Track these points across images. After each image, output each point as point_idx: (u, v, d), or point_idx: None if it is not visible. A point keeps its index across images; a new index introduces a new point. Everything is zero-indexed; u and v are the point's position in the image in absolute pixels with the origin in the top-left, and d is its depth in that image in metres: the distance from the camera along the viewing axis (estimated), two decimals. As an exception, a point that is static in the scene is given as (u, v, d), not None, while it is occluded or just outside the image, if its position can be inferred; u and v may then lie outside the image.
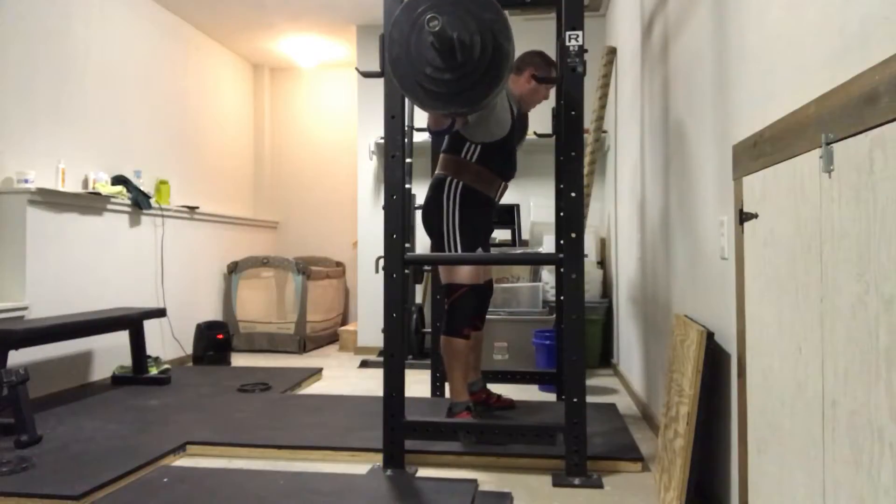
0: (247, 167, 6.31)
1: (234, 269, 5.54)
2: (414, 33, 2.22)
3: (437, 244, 2.85)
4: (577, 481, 2.30)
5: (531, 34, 5.06)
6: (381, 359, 2.84)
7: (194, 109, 5.36)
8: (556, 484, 2.30)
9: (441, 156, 2.93)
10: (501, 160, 2.91)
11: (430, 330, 4.09)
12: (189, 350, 4.85)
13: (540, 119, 4.70)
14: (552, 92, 3.35)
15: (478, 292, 2.90)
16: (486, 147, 2.83)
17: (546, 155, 4.80)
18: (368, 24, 5.28)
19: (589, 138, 4.10)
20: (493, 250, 4.61)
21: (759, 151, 1.46)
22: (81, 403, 3.39)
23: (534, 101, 3.07)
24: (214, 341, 4.73)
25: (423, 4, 2.24)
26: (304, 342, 5.42)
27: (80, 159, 4.03)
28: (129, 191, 4.26)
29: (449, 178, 2.83)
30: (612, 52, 4.10)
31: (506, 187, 3.02)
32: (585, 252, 2.43)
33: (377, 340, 4.63)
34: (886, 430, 0.88)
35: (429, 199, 2.86)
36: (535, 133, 4.03)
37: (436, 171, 2.94)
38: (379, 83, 2.59)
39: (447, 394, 3.41)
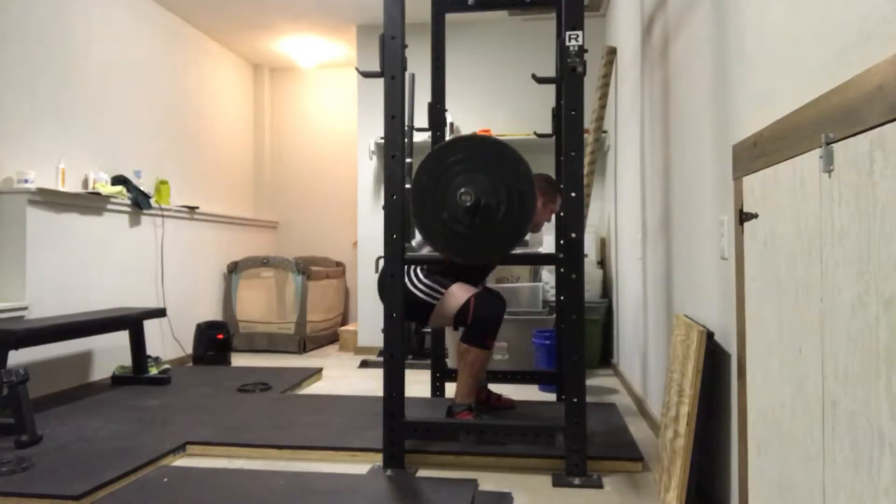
0: (247, 167, 6.31)
1: (234, 269, 5.54)
2: (445, 177, 2.29)
3: (414, 314, 2.83)
4: (577, 481, 2.30)
5: (531, 34, 5.08)
6: (381, 359, 2.84)
7: (194, 109, 5.36)
8: (556, 484, 2.30)
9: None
10: (474, 274, 2.96)
11: (430, 330, 4.09)
12: (189, 350, 4.85)
13: (540, 119, 4.70)
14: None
15: (486, 297, 2.83)
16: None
17: (546, 155, 4.80)
18: (368, 24, 5.28)
19: (589, 138, 4.10)
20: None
21: (759, 151, 1.46)
22: (81, 403, 3.39)
23: (540, 223, 3.05)
24: (214, 341, 4.73)
25: (461, 153, 2.30)
26: (304, 342, 5.42)
27: (80, 159, 4.03)
28: (129, 191, 4.26)
29: (415, 268, 2.86)
30: (612, 52, 4.10)
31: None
32: (585, 252, 2.43)
33: (377, 340, 4.62)
34: (886, 430, 0.88)
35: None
36: (535, 133, 4.04)
37: (413, 243, 2.96)
38: (379, 83, 2.59)
39: (447, 394, 3.41)
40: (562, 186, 2.46)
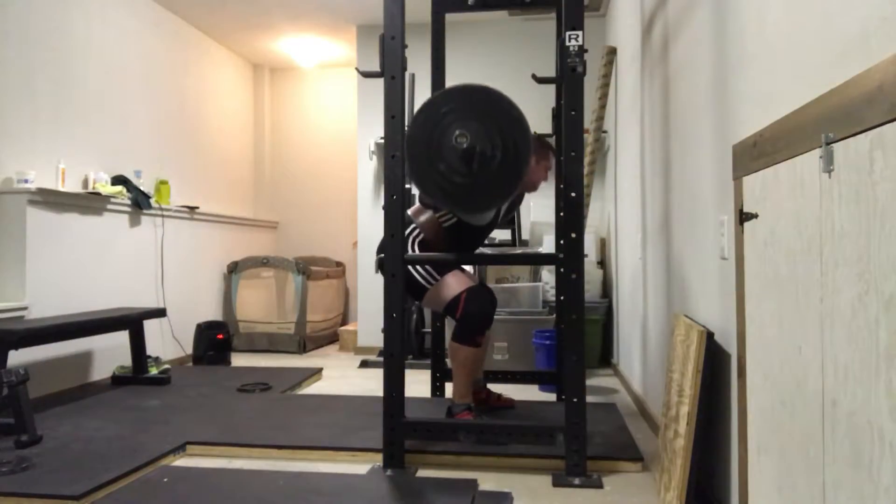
0: (247, 167, 6.31)
1: (234, 269, 5.54)
2: (438, 129, 2.25)
3: (411, 286, 2.83)
4: (577, 481, 2.30)
5: (531, 34, 5.08)
6: (381, 359, 2.84)
7: (194, 109, 5.36)
8: (556, 484, 2.30)
9: (421, 202, 2.95)
10: (471, 237, 2.95)
11: (430, 330, 4.09)
12: (189, 350, 4.85)
13: (540, 119, 4.70)
14: (553, 91, 3.35)
15: (478, 292, 2.83)
16: (462, 222, 2.86)
17: (546, 155, 4.80)
18: (368, 24, 5.28)
19: (589, 138, 4.10)
20: (493, 250, 4.62)
21: (759, 151, 1.46)
22: (81, 403, 3.39)
23: (536, 183, 3.03)
24: (214, 341, 4.73)
25: (452, 103, 2.26)
26: (304, 342, 5.42)
27: (80, 159, 4.04)
28: (129, 191, 4.26)
29: (413, 226, 2.86)
30: (612, 52, 4.10)
31: None
32: (585, 252, 2.43)
33: (377, 340, 4.63)
34: (886, 430, 0.88)
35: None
36: (534, 133, 4.04)
37: (408, 212, 2.94)
38: (379, 83, 2.59)
39: (447, 394, 3.41)
40: (562, 187, 2.46)
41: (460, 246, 2.91)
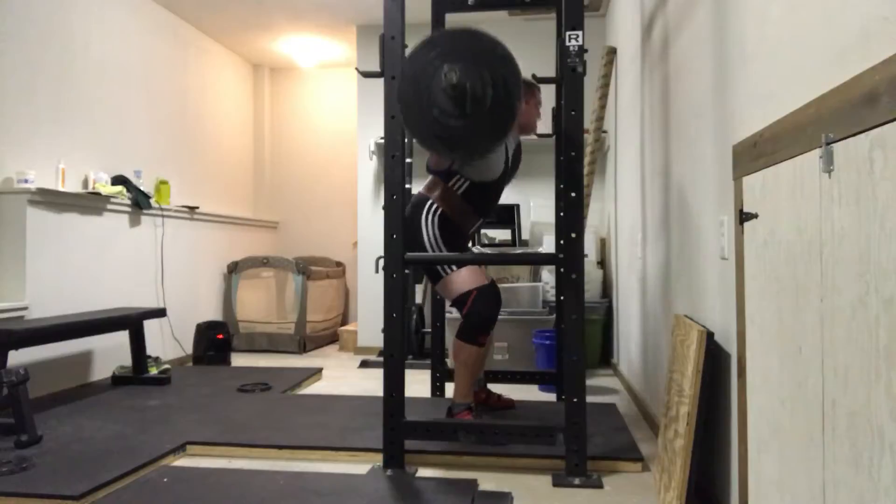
0: (247, 167, 6.31)
1: (234, 269, 5.54)
2: (426, 75, 2.23)
3: (430, 270, 2.82)
4: (577, 481, 2.30)
5: (531, 34, 5.08)
6: (381, 359, 2.84)
7: (194, 109, 5.36)
8: (556, 484, 2.30)
9: (430, 177, 2.93)
10: (485, 199, 2.92)
11: (430, 330, 4.09)
12: (189, 350, 4.85)
13: (540, 119, 4.70)
14: (549, 93, 3.35)
15: (487, 293, 2.80)
16: (475, 184, 2.84)
17: (546, 155, 4.81)
18: (368, 24, 5.28)
19: (589, 138, 4.10)
20: (493, 250, 4.62)
21: (759, 151, 1.46)
22: (81, 403, 3.39)
23: (531, 123, 3.03)
24: (214, 341, 4.72)
25: (438, 48, 2.25)
26: (304, 342, 5.42)
27: (80, 159, 4.04)
28: (129, 191, 4.26)
29: (430, 202, 2.84)
30: (612, 52, 4.10)
31: (482, 223, 3.04)
32: (585, 252, 2.43)
33: (377, 340, 4.63)
34: (886, 430, 0.88)
35: (408, 216, 2.83)
36: (535, 133, 4.04)
37: (421, 190, 2.93)
38: (379, 83, 2.59)
39: (447, 394, 3.41)
40: (561, 186, 2.46)
41: (479, 210, 2.89)
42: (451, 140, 2.28)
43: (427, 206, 2.82)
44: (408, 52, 2.33)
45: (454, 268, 2.77)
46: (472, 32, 2.27)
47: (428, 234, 2.80)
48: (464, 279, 2.77)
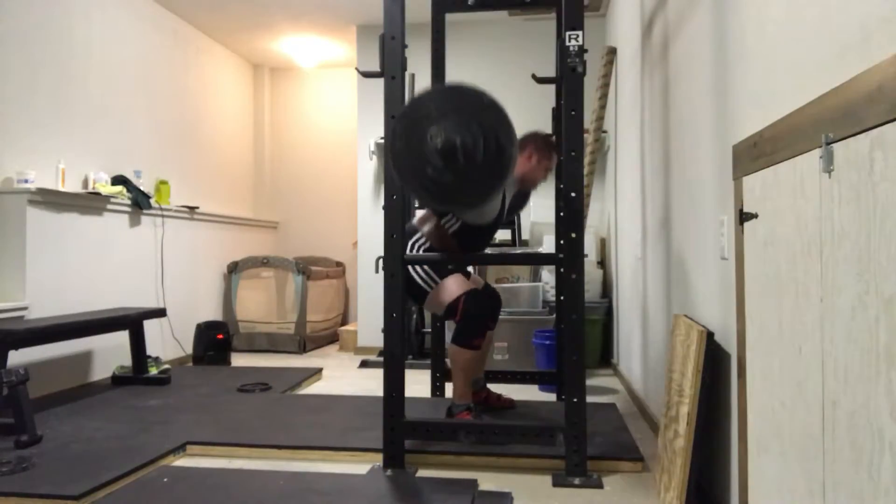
0: (247, 167, 6.31)
1: (234, 269, 5.54)
2: (416, 135, 2.24)
3: (412, 290, 2.84)
4: (577, 481, 2.30)
5: (531, 34, 5.08)
6: (381, 359, 2.84)
7: (194, 109, 5.36)
8: (556, 484, 2.30)
9: (425, 210, 2.94)
10: (476, 240, 2.94)
11: (430, 330, 4.09)
12: (189, 350, 4.85)
13: (540, 119, 4.70)
14: (554, 85, 3.35)
15: (477, 295, 2.83)
16: (467, 225, 2.85)
17: (546, 155, 4.80)
18: (368, 24, 5.28)
19: (589, 138, 4.10)
20: (493, 250, 4.61)
21: (759, 151, 1.46)
22: (81, 403, 3.39)
23: (535, 180, 3.03)
24: (214, 341, 4.73)
25: (425, 108, 2.26)
26: (304, 342, 5.42)
27: (80, 159, 4.04)
28: (129, 191, 4.26)
29: (418, 236, 2.85)
30: (612, 52, 4.10)
31: None
32: (585, 252, 2.43)
33: (377, 340, 4.63)
34: (886, 430, 0.88)
35: None
36: (539, 132, 4.03)
37: (414, 221, 2.95)
38: (379, 83, 2.59)
39: (447, 394, 3.41)
40: (561, 186, 2.46)
41: (467, 249, 2.91)
42: (445, 195, 2.30)
43: (414, 240, 2.84)
44: (398, 115, 2.35)
45: (437, 280, 2.78)
46: (458, 87, 2.28)
47: (417, 272, 2.82)
48: (450, 288, 2.78)
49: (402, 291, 2.46)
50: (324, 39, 5.68)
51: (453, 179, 2.23)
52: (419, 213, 3.00)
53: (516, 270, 4.60)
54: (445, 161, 2.20)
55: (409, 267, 2.79)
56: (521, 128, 5.27)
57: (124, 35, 4.47)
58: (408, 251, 2.79)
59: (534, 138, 2.99)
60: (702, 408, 1.84)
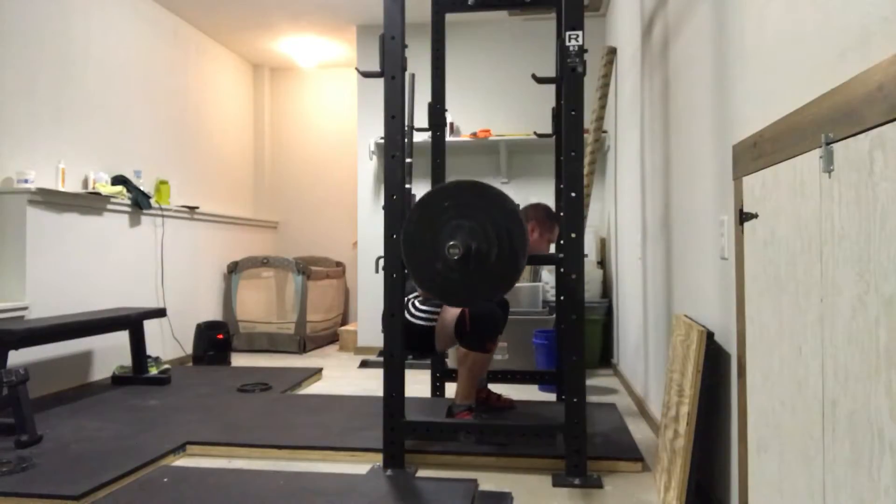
0: (247, 167, 6.31)
1: (234, 269, 5.54)
2: (435, 224, 2.26)
3: (419, 344, 2.82)
4: (577, 481, 2.30)
5: (531, 34, 5.08)
6: (381, 359, 2.84)
7: (194, 109, 5.36)
8: (556, 484, 2.30)
9: None
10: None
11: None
12: (189, 350, 4.85)
13: (540, 119, 4.70)
14: (553, 92, 3.35)
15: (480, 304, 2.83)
16: None
17: (546, 155, 4.81)
18: (368, 24, 5.28)
19: (589, 138, 4.10)
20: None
21: (759, 151, 1.46)
22: (81, 403, 3.39)
23: (538, 253, 3.01)
24: (214, 341, 4.73)
25: (449, 199, 2.27)
26: (304, 342, 5.42)
27: (80, 159, 4.04)
28: (129, 191, 4.26)
29: (407, 299, 2.81)
30: (612, 52, 4.10)
31: None
32: (585, 252, 2.43)
33: (377, 340, 4.63)
34: (886, 430, 0.88)
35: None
36: (535, 133, 4.04)
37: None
38: (379, 83, 2.59)
39: (447, 394, 3.41)
40: (561, 188, 2.46)
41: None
42: (453, 292, 2.32)
43: (406, 304, 2.79)
44: (418, 200, 2.36)
45: (438, 310, 2.79)
46: (481, 188, 2.30)
47: (418, 317, 2.81)
48: (450, 309, 2.78)
49: (401, 291, 2.46)
50: (324, 39, 5.68)
51: (459, 278, 2.25)
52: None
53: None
54: (457, 263, 2.22)
55: (409, 317, 2.77)
56: (521, 127, 5.27)
57: (124, 35, 4.47)
58: (407, 316, 2.74)
59: (535, 211, 2.98)
60: (702, 408, 1.84)
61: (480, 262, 2.23)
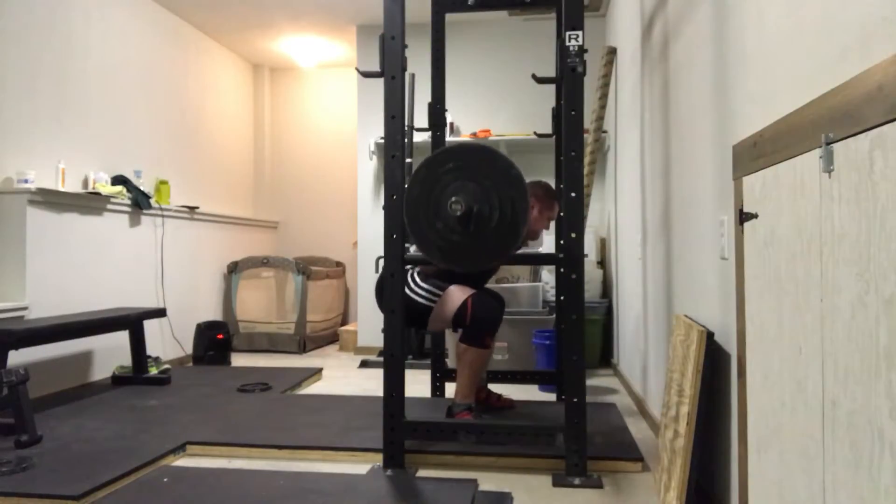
0: (247, 167, 6.31)
1: (234, 269, 5.54)
2: (438, 185, 2.27)
3: (413, 319, 2.82)
4: (577, 481, 2.30)
5: (531, 34, 5.07)
6: (381, 359, 2.84)
7: (194, 109, 5.36)
8: (556, 484, 2.30)
9: None
10: (473, 279, 2.92)
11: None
12: (189, 350, 4.85)
13: (540, 119, 4.70)
14: (553, 95, 3.35)
15: (482, 296, 2.82)
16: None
17: (546, 155, 4.80)
18: (368, 24, 5.28)
19: (589, 138, 4.10)
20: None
21: (759, 151, 1.46)
22: (81, 403, 3.39)
23: (537, 230, 3.02)
24: (214, 341, 4.73)
25: (454, 161, 2.28)
26: (304, 342, 5.42)
27: (80, 159, 4.03)
28: (129, 191, 4.26)
29: (409, 272, 2.83)
30: (612, 52, 4.10)
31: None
32: (585, 252, 2.43)
33: (377, 340, 4.62)
34: (886, 430, 0.88)
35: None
36: (535, 133, 4.04)
37: (411, 249, 2.93)
38: (379, 83, 2.59)
39: (447, 394, 3.41)
40: (561, 187, 2.46)
41: (466, 280, 2.88)
42: (451, 253, 2.33)
43: (408, 277, 2.80)
44: (424, 159, 2.37)
45: (440, 292, 2.78)
46: (488, 152, 2.31)
47: (418, 293, 2.80)
48: (453, 295, 2.78)
49: (402, 291, 2.46)
50: (324, 39, 5.68)
51: (459, 240, 2.26)
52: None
53: (516, 270, 4.60)
54: (458, 222, 2.23)
55: (408, 290, 2.76)
56: (521, 127, 5.27)
57: (124, 35, 4.47)
58: (407, 290, 2.74)
59: (535, 188, 2.98)
60: (702, 408, 1.84)
61: (481, 225, 2.23)
